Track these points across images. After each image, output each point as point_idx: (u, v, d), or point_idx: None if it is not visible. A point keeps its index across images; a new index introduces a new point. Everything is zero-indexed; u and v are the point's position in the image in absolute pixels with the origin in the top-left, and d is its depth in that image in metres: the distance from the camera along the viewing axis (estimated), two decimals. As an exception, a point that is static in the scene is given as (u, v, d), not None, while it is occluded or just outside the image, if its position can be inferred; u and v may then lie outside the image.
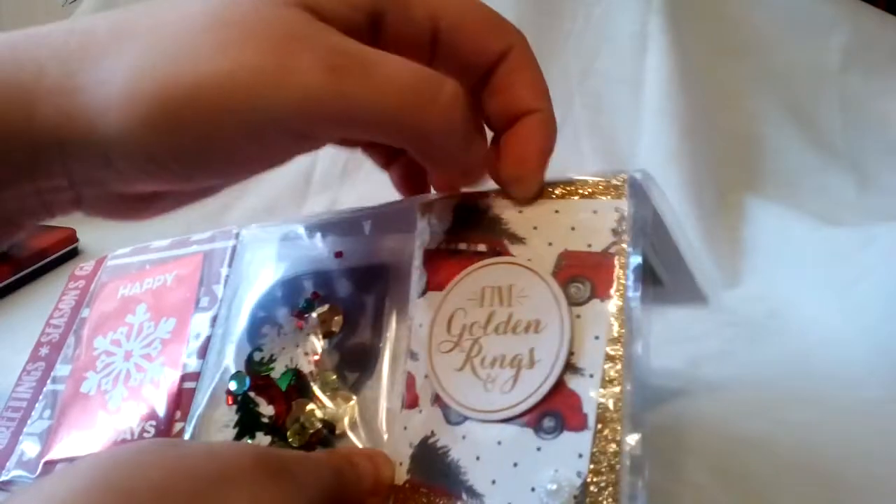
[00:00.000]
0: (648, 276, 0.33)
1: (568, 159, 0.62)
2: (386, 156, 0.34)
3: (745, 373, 0.42)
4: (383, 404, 0.29)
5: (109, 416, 0.34)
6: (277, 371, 0.31)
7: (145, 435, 0.33)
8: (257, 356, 0.32)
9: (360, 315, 0.31)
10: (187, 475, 0.22)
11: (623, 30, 0.66)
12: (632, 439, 0.24)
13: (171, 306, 0.37)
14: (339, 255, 0.33)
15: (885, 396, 0.39)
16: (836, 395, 0.39)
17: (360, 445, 0.29)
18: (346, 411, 0.30)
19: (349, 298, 0.32)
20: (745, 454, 0.35)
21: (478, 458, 0.26)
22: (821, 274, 0.49)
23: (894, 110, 0.64)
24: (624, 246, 0.26)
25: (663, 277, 0.34)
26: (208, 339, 0.34)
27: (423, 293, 0.30)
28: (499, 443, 0.26)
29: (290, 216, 0.36)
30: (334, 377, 0.30)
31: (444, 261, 0.29)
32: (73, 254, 0.65)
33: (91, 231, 0.67)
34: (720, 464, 0.34)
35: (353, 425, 0.30)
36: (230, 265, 0.36)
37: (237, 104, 0.23)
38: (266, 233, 0.36)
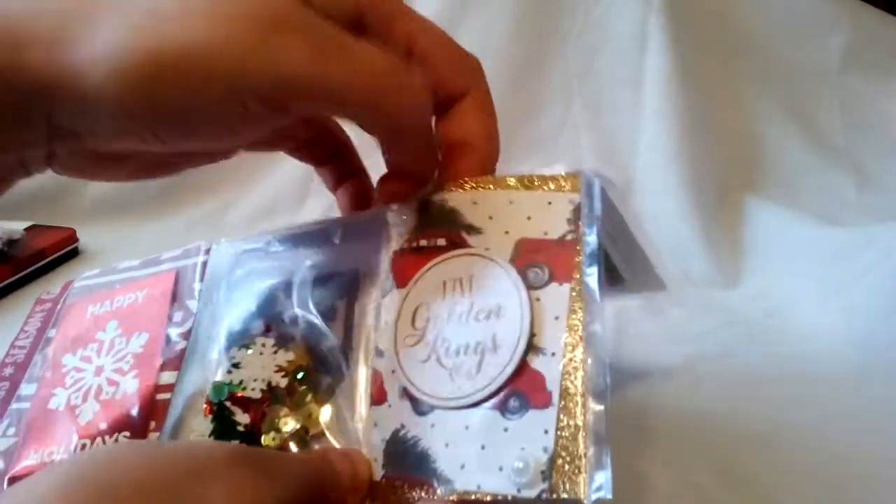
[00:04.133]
0: (609, 274, 0.34)
1: (568, 159, 0.62)
2: (336, 178, 0.36)
3: (745, 373, 0.42)
4: (357, 405, 0.29)
5: (80, 430, 0.33)
6: (251, 388, 0.31)
7: None
8: (231, 374, 0.32)
9: (332, 321, 0.31)
10: (166, 469, 0.22)
11: (623, 30, 0.65)
12: (595, 412, 0.24)
13: (143, 322, 0.36)
14: (310, 261, 0.33)
15: (884, 396, 0.39)
16: (835, 395, 0.39)
17: (336, 446, 0.29)
18: (320, 414, 0.30)
19: (320, 305, 0.32)
20: (745, 454, 0.35)
21: (447, 445, 0.26)
22: (821, 274, 0.49)
23: (894, 110, 0.64)
24: (580, 234, 0.27)
25: (624, 274, 0.35)
26: (182, 351, 0.34)
27: (389, 292, 0.30)
28: (466, 427, 0.26)
29: (261, 231, 0.36)
30: (307, 391, 0.30)
31: (408, 259, 0.30)
32: (74, 254, 0.65)
33: (91, 231, 0.67)
34: (721, 464, 0.35)
35: (327, 428, 0.29)
36: (202, 280, 0.36)
37: (223, 73, 0.24)
38: (236, 248, 0.36)
